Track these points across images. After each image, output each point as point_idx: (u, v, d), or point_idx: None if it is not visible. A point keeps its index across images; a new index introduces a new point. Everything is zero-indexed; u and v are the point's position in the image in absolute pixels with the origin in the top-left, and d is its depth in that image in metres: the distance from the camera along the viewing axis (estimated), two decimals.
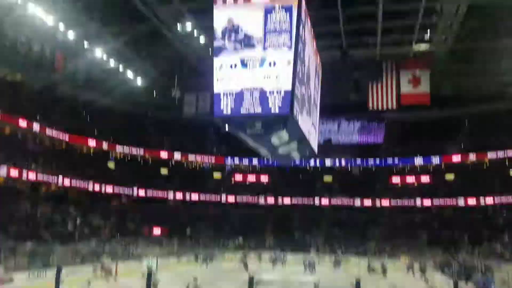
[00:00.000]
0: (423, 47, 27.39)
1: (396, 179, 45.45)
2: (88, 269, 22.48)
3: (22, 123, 32.55)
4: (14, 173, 30.26)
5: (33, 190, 33.68)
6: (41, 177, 32.96)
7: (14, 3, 22.24)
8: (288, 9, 8.62)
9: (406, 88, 26.94)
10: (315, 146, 11.47)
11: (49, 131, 35.11)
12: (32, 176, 31.80)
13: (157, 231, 38.51)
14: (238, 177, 49.54)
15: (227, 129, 8.33)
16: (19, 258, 20.23)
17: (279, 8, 8.65)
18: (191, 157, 47.33)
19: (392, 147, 46.25)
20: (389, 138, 47.31)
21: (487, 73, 30.93)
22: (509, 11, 23.45)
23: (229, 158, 48.14)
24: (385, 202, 42.69)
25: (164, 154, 45.65)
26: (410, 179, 44.97)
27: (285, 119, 7.76)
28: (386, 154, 45.84)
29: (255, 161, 46.89)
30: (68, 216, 31.98)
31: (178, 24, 25.69)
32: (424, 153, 42.81)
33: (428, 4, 22.19)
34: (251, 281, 3.84)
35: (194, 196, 44.74)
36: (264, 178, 48.89)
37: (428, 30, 25.84)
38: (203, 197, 45.24)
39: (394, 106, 27.29)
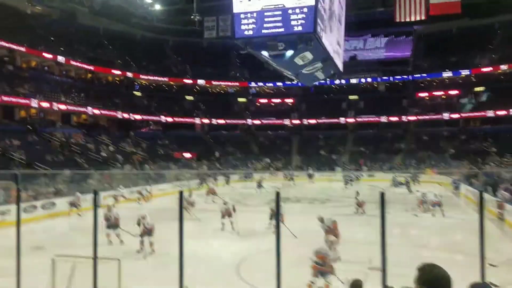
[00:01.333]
0: None
1: (423, 94, 44.58)
2: (124, 192, 23.71)
3: (47, 55, 32.79)
4: (45, 104, 31.13)
5: (65, 120, 34.83)
6: (71, 107, 33.93)
7: None
8: None
9: None
10: (340, 65, 11.22)
11: (73, 62, 35.40)
12: (62, 107, 32.68)
13: (186, 155, 39.62)
14: (263, 100, 49.61)
15: (249, 51, 8.14)
16: (58, 185, 21.39)
17: None
18: (215, 83, 47.43)
19: (420, 61, 44.79)
20: (417, 52, 45.64)
21: None
22: None
23: (252, 82, 47.90)
24: (412, 117, 42.26)
25: (188, 81, 45.75)
26: (438, 93, 44.02)
27: (309, 38, 7.54)
28: (414, 68, 44.53)
29: (279, 84, 46.49)
30: (101, 144, 33.20)
31: None
32: (453, 66, 41.29)
33: None
34: (278, 195, 4.00)
35: (220, 121, 45.33)
36: (289, 100, 48.80)
37: None
38: (229, 121, 45.84)
39: (423, 17, 25.94)
